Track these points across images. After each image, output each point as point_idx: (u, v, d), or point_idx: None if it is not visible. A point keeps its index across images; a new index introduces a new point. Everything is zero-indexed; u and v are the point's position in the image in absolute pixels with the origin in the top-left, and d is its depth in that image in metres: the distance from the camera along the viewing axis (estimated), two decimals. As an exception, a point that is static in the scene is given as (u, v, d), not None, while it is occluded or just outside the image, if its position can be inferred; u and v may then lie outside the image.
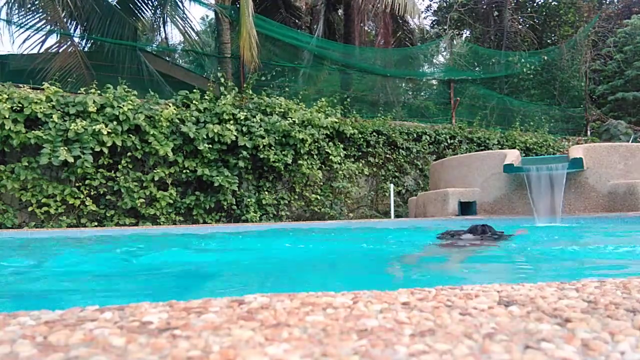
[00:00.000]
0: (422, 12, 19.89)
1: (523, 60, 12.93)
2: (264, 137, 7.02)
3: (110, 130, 6.10)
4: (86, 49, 9.28)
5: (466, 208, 6.45)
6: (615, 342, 0.56)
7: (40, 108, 5.81)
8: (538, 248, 3.26)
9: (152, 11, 10.74)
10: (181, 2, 10.60)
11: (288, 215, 7.66)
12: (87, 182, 6.18)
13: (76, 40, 8.64)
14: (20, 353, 0.52)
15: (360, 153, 8.54)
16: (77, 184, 6.22)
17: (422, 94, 13.68)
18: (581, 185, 5.81)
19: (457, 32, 16.00)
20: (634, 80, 14.35)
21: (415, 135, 9.09)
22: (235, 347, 0.54)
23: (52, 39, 8.07)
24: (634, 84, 14.35)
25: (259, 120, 7.05)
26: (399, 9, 10.16)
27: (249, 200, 7.11)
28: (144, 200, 6.45)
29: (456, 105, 10.68)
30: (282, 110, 7.50)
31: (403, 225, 5.85)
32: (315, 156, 7.77)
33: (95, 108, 6.07)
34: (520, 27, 16.38)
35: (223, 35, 8.89)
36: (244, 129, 6.98)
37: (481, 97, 12.05)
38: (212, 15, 17.12)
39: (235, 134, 6.82)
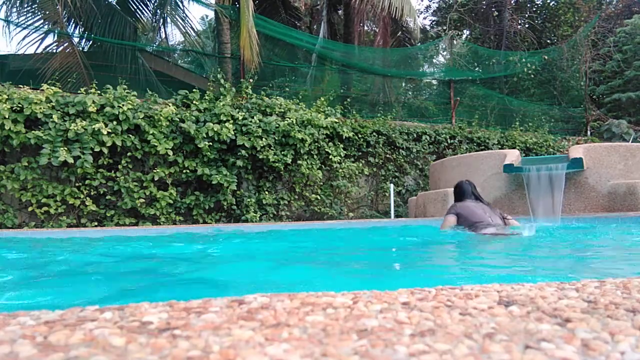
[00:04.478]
0: (421, 12, 19.92)
1: (523, 60, 12.93)
2: (262, 138, 7.02)
3: (110, 130, 6.10)
4: (86, 48, 9.29)
5: (466, 208, 6.44)
6: (615, 342, 0.56)
7: (40, 108, 5.81)
8: (538, 247, 3.26)
9: (152, 11, 10.74)
10: (181, 2, 10.62)
11: (288, 215, 7.66)
12: (87, 182, 6.18)
13: (75, 40, 8.65)
14: (20, 353, 0.52)
15: (360, 153, 8.53)
16: (77, 184, 6.22)
17: (422, 93, 13.68)
18: (581, 185, 5.81)
19: (457, 33, 16.00)
20: (633, 80, 14.34)
21: (415, 135, 9.09)
22: (235, 347, 0.54)
23: (51, 39, 8.08)
24: (634, 84, 14.35)
25: (257, 121, 7.05)
26: (395, 12, 10.18)
27: (249, 200, 7.11)
28: (144, 200, 6.45)
29: (456, 105, 10.68)
30: (282, 110, 7.50)
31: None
32: (315, 156, 7.77)
33: (95, 108, 6.07)
34: (519, 27, 16.38)
35: (223, 35, 8.90)
36: (243, 128, 6.99)
37: (481, 97, 12.05)
38: (212, 15, 17.13)
39: (233, 132, 6.83)
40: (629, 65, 14.57)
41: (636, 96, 13.94)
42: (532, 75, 13.61)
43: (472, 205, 4.00)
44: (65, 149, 5.82)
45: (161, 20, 10.98)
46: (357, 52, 11.39)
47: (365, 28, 15.19)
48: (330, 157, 7.90)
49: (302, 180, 7.67)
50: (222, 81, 7.44)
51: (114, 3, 9.69)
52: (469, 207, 3.98)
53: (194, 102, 7.00)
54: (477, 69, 13.54)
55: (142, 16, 10.47)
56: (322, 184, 8.02)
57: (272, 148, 7.16)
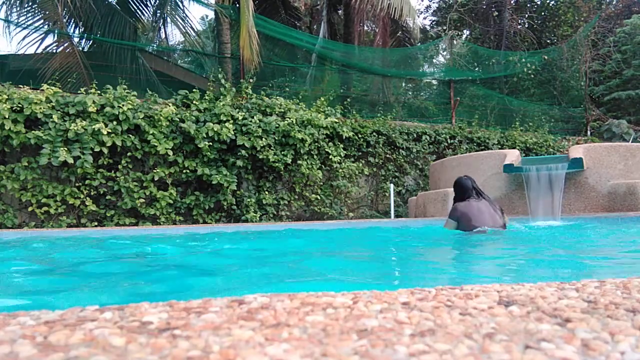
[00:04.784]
0: (421, 12, 19.92)
1: (523, 60, 12.93)
2: (262, 138, 7.02)
3: (110, 130, 6.10)
4: (86, 48, 9.29)
5: (466, 208, 6.43)
6: (615, 342, 0.56)
7: (40, 108, 5.81)
8: (538, 247, 3.26)
9: (152, 11, 10.75)
10: (181, 2, 10.62)
11: (288, 215, 7.66)
12: (87, 182, 6.19)
13: (75, 40, 8.65)
14: (20, 353, 0.52)
15: (360, 153, 8.53)
16: (77, 184, 6.22)
17: (422, 94, 13.68)
18: (581, 185, 5.81)
19: (457, 33, 16.00)
20: (632, 80, 14.34)
21: (415, 135, 9.09)
22: (235, 347, 0.54)
23: (52, 39, 8.08)
24: (633, 84, 14.35)
25: (257, 121, 7.05)
26: (395, 12, 10.20)
27: (249, 200, 7.11)
28: (144, 200, 6.45)
29: (456, 105, 10.68)
30: (282, 110, 7.50)
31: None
32: (315, 156, 7.77)
33: (95, 108, 6.07)
34: (519, 27, 16.39)
35: (223, 35, 8.90)
36: (243, 128, 6.99)
37: (481, 97, 12.05)
38: (212, 15, 17.12)
39: (233, 132, 6.83)
40: (629, 65, 14.58)
41: (636, 94, 13.94)
42: (532, 75, 13.61)
43: (475, 207, 3.84)
44: (65, 149, 5.82)
45: (161, 20, 10.98)
46: (357, 52, 11.38)
47: (365, 28, 15.18)
48: (330, 157, 7.89)
49: (302, 180, 7.67)
50: (222, 81, 7.44)
51: (114, 3, 9.69)
52: (472, 210, 3.83)
53: (194, 102, 7.00)
54: (477, 69, 13.54)
55: (142, 16, 10.47)
56: (322, 184, 8.02)
57: (272, 148, 7.16)
